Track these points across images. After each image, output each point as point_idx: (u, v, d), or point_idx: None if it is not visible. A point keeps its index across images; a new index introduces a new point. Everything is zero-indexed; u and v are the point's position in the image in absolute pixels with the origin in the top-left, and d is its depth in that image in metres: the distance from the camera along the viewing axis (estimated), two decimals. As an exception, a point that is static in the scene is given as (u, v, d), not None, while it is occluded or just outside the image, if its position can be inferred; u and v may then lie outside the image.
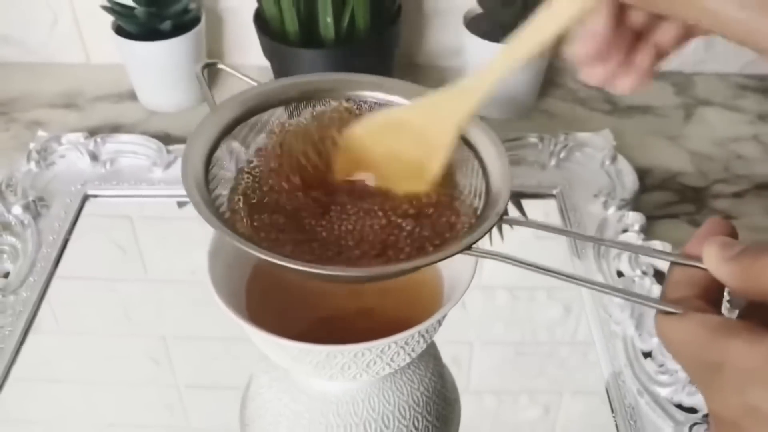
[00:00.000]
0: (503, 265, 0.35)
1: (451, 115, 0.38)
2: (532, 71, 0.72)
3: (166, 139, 0.72)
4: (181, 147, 0.68)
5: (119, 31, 0.72)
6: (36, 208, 0.63)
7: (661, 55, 0.35)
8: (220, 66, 0.46)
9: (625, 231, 0.61)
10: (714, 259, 0.27)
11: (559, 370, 0.54)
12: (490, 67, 0.36)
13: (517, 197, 0.66)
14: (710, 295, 0.28)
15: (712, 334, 0.25)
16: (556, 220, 0.64)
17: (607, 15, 0.33)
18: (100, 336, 0.56)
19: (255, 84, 0.43)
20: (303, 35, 0.64)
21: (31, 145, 0.68)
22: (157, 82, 0.74)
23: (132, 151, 0.68)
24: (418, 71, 0.82)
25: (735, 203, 0.67)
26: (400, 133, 0.39)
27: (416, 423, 0.48)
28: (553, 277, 0.32)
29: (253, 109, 0.42)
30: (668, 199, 0.67)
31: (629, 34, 0.34)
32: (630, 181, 0.65)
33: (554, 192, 0.66)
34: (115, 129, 0.74)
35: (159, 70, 0.72)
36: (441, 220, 0.39)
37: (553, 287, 0.58)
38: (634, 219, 0.61)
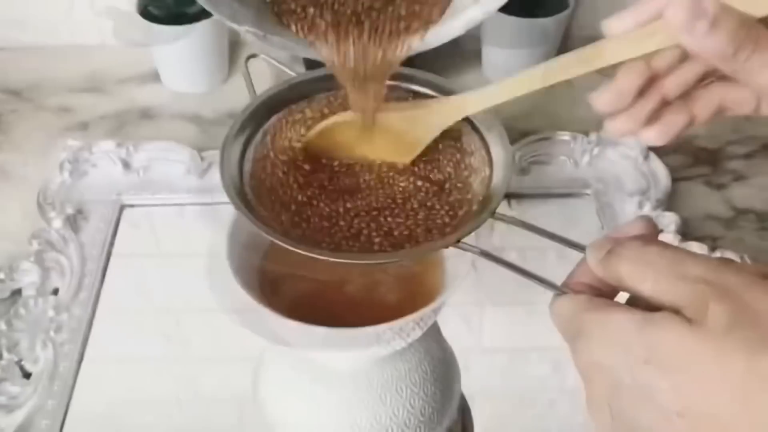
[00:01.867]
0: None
1: (431, 128, 0.42)
2: (547, 45, 0.75)
3: (199, 120, 0.74)
4: (213, 153, 0.68)
5: (144, 14, 0.72)
6: (75, 221, 0.63)
7: (692, 122, 0.37)
8: (263, 56, 0.48)
9: (660, 232, 0.61)
10: (589, 260, 0.32)
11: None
12: (492, 90, 0.39)
13: (551, 196, 0.67)
14: (602, 284, 0.32)
15: (578, 308, 0.31)
16: (592, 220, 0.65)
17: (635, 76, 0.35)
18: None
19: (293, 74, 0.46)
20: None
21: (63, 155, 0.67)
22: (184, 65, 0.75)
23: (164, 158, 0.68)
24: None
25: (747, 164, 0.70)
26: (380, 134, 0.42)
27: (425, 389, 0.51)
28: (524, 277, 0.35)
29: (289, 99, 0.45)
30: (684, 162, 0.70)
31: (657, 98, 0.37)
32: (663, 181, 0.66)
33: (588, 191, 0.67)
34: (145, 112, 0.75)
35: (186, 52, 0.73)
36: (441, 211, 0.41)
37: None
38: (671, 219, 0.62)
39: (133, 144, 0.68)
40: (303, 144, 0.44)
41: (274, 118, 0.44)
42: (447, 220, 0.40)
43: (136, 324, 0.59)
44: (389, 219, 0.40)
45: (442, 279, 0.49)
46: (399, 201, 0.41)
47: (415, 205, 0.41)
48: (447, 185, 0.42)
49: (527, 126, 0.72)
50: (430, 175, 0.42)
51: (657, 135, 0.37)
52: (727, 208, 0.67)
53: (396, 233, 0.40)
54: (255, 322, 0.48)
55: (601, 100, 0.36)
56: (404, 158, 0.43)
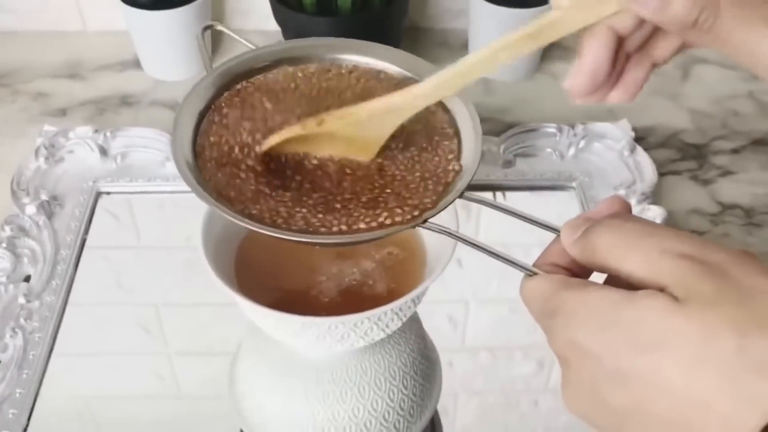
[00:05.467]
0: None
1: (383, 128, 0.38)
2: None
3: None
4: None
5: (124, -1, 0.71)
6: (50, 207, 0.62)
7: (655, 66, 0.36)
8: (220, 28, 0.46)
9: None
10: (564, 240, 0.31)
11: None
12: (434, 83, 0.36)
13: (535, 189, 0.66)
14: (575, 266, 0.31)
15: (553, 287, 0.29)
16: (576, 213, 0.61)
17: (604, 49, 0.33)
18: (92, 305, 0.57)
19: (253, 47, 0.43)
20: (318, 4, 0.65)
21: (39, 140, 0.66)
22: (164, 51, 0.74)
23: (143, 145, 0.67)
24: (422, 34, 0.83)
25: (734, 159, 0.70)
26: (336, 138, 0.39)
27: (405, 383, 0.50)
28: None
29: (247, 73, 0.42)
30: (671, 157, 0.70)
31: (623, 59, 0.35)
32: (649, 174, 0.65)
33: (573, 184, 0.66)
34: (124, 99, 0.74)
35: (167, 38, 0.72)
36: (407, 190, 0.38)
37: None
38: (656, 213, 0.61)
39: (111, 130, 0.67)
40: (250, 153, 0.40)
41: (226, 94, 0.42)
42: (415, 200, 0.37)
43: (108, 314, 0.58)
44: (354, 199, 0.37)
45: (422, 271, 0.48)
46: (363, 181, 0.38)
47: (381, 184, 0.38)
48: (412, 163, 0.39)
49: (512, 118, 0.71)
50: (394, 154, 0.39)
51: (624, 94, 0.35)
52: (713, 203, 0.66)
53: (361, 213, 0.37)
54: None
55: (576, 84, 0.34)
56: (363, 157, 0.39)
